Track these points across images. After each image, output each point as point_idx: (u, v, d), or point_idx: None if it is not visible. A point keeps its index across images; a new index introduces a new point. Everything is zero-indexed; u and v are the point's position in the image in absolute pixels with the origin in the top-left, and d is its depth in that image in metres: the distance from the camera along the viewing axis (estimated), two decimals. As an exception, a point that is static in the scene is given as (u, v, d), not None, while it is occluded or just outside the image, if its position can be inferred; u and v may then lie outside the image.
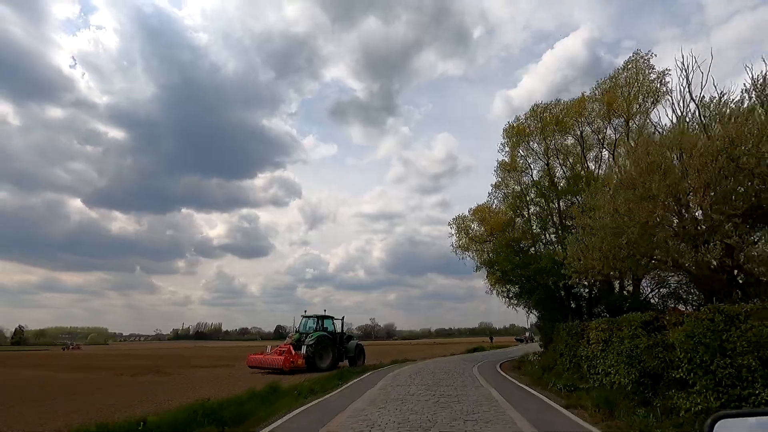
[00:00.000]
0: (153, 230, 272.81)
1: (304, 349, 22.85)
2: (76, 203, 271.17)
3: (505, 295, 27.97)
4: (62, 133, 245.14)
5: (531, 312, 28.70)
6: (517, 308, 28.74)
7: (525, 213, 25.97)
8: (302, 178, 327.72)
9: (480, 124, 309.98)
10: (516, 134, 27.51)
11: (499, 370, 21.87)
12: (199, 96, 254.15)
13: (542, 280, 22.04)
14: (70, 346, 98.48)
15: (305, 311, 25.72)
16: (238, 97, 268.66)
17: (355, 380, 17.62)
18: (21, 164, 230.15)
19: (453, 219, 30.96)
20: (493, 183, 30.29)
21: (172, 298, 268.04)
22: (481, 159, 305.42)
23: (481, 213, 29.97)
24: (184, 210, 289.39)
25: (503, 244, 23.75)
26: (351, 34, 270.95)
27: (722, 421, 1.37)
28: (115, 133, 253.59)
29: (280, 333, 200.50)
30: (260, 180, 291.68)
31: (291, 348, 23.12)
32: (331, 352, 23.98)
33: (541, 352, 25.40)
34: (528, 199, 25.00)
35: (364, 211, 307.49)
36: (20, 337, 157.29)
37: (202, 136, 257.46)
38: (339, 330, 25.82)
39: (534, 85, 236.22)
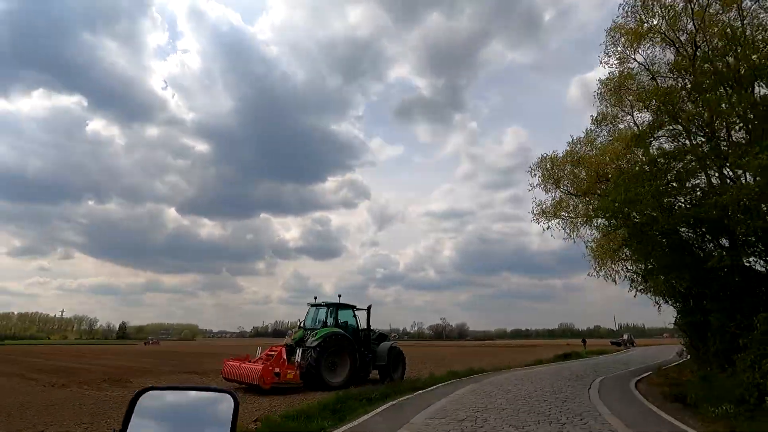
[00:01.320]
0: (236, 234, 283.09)
1: (299, 354, 13.88)
2: (171, 212, 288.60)
3: (633, 272, 17.10)
4: (158, 149, 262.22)
5: (673, 300, 17.36)
6: (650, 295, 17.63)
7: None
8: (370, 179, 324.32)
9: (554, 114, 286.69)
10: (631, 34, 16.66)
11: (647, 403, 11.17)
12: (272, 105, 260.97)
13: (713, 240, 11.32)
14: (150, 342, 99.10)
15: (315, 298, 16.66)
16: (308, 103, 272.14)
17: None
18: (127, 179, 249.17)
19: (536, 162, 20.35)
20: (594, 116, 19.46)
21: (254, 298, 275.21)
22: (557, 149, 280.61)
23: (580, 155, 19.22)
24: (262, 215, 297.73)
25: (634, 178, 12.89)
26: (414, 33, 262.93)
27: (148, 392, 1.47)
28: (201, 147, 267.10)
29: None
30: (331, 183, 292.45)
31: (283, 351, 14.23)
32: (349, 360, 14.77)
33: (688, 362, 14.27)
34: (679, 97, 13.54)
35: (432, 209, 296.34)
36: (123, 332, 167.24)
37: (276, 143, 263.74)
38: (365, 326, 16.53)
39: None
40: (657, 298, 18.85)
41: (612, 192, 12.78)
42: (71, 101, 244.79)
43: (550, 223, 21.49)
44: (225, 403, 1.51)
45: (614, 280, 21.02)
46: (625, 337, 66.94)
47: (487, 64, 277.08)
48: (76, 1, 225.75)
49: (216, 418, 1.50)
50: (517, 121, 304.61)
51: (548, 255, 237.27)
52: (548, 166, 19.61)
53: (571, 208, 21.17)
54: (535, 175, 20.21)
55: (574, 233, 21.40)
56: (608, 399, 11.15)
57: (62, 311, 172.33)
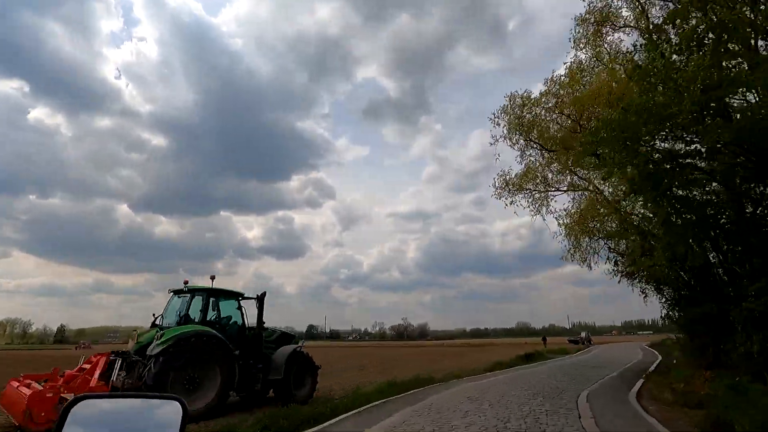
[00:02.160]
0: (194, 233, 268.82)
1: (136, 369, 8.61)
2: (124, 208, 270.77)
3: (616, 251, 12.76)
4: (110, 142, 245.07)
5: (672, 288, 13.13)
6: (636, 282, 13.46)
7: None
8: (336, 179, 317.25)
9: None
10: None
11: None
12: (236, 101, 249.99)
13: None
14: (82, 345, 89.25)
15: (185, 283, 11.15)
16: (273, 100, 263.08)
17: None
18: (75, 172, 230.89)
19: (502, 106, 15.80)
20: (573, 42, 15.07)
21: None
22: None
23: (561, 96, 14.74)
24: (223, 213, 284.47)
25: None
26: (383, 33, 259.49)
27: (83, 402, 1.28)
28: (158, 140, 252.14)
29: (311, 333, 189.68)
30: (295, 182, 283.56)
31: (102, 362, 8.82)
32: (220, 374, 9.48)
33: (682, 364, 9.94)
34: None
35: (398, 211, 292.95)
36: (62, 336, 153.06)
37: (239, 140, 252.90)
38: (254, 323, 11.25)
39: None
40: (646, 285, 14.70)
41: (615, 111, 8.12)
42: (11, 86, 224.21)
43: (514, 198, 17.09)
44: (171, 410, 1.35)
45: (589, 265, 16.81)
46: (583, 335, 64.75)
47: (453, 67, 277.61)
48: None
49: (161, 426, 1.35)
50: (482, 125, 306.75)
51: (509, 256, 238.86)
52: (518, 110, 14.99)
53: (540, 179, 16.81)
54: (498, 123, 15.65)
55: (544, 208, 17.06)
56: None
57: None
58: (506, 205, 17.07)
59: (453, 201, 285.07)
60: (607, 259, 15.51)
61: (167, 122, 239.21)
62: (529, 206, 17.11)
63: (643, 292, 15.96)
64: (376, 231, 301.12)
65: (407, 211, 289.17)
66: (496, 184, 17.25)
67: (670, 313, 14.31)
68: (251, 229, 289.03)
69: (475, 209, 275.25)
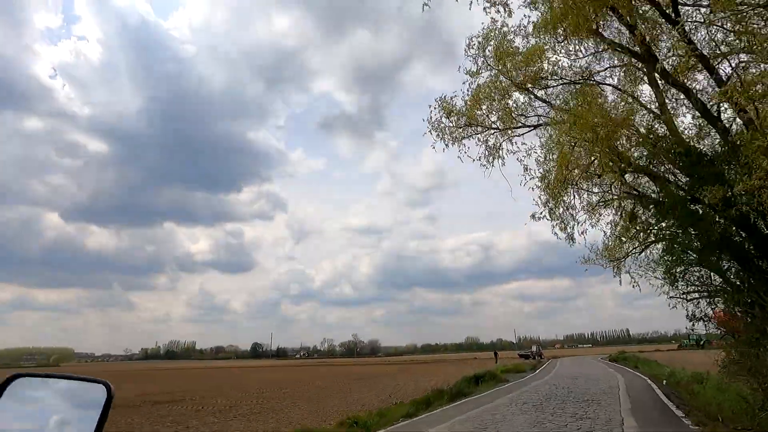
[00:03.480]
0: (133, 245, 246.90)
1: None
2: (53, 217, 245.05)
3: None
4: (40, 145, 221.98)
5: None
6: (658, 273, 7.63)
7: None
8: (289, 192, 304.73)
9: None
10: None
11: None
12: (185, 108, 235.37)
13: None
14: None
15: None
16: (225, 109, 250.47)
17: None
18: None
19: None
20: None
21: (151, 316, 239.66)
22: (468, 173, 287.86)
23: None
24: (166, 224, 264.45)
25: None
26: (341, 47, 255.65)
27: (18, 379, 1.35)
28: (96, 146, 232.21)
29: (257, 351, 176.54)
30: (246, 194, 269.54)
31: None
32: None
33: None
34: None
35: (351, 225, 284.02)
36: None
37: (187, 149, 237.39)
38: None
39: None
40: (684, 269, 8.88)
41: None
42: None
43: (458, 143, 10.84)
44: (98, 393, 1.42)
45: (571, 237, 10.65)
46: (534, 348, 59.99)
47: (409, 85, 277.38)
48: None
49: (88, 407, 1.40)
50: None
51: (457, 272, 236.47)
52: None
53: (499, 107, 10.61)
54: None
55: (501, 154, 10.86)
56: None
57: None
58: (444, 149, 10.80)
59: (405, 216, 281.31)
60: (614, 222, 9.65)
61: (108, 127, 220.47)
62: (480, 155, 10.86)
63: (633, 279, 10.44)
64: (328, 245, 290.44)
65: (360, 225, 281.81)
66: (432, 119, 10.86)
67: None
68: (197, 242, 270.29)
69: (427, 225, 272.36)
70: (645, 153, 10.03)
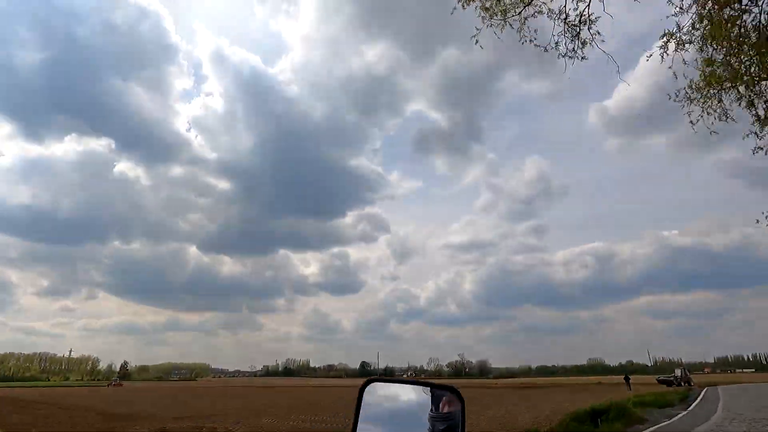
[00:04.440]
0: (255, 271, 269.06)
1: None
2: (193, 250, 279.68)
3: None
4: (182, 189, 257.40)
5: None
6: None
7: None
8: (389, 213, 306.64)
9: (573, 142, 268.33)
10: None
11: None
12: (292, 142, 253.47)
13: None
14: (113, 383, 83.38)
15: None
16: (327, 139, 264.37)
17: None
18: (152, 217, 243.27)
19: None
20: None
21: (274, 335, 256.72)
22: (577, 178, 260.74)
23: None
24: (281, 251, 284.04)
25: None
26: (430, 68, 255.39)
27: (373, 384, 1.45)
28: (223, 185, 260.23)
29: (365, 369, 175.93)
30: (350, 218, 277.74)
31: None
32: None
33: None
34: None
35: (452, 242, 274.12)
36: (125, 372, 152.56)
37: (296, 179, 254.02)
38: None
39: (632, 91, 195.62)
40: None
41: None
42: (99, 144, 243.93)
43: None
44: (451, 400, 1.42)
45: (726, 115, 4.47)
46: (678, 373, 46.59)
47: (503, 94, 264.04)
48: (105, 48, 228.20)
49: (442, 414, 1.42)
50: (536, 151, 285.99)
51: (572, 286, 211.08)
52: None
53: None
54: None
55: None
56: None
57: (70, 351, 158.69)
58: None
59: (508, 229, 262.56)
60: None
61: (230, 167, 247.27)
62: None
63: None
64: (430, 263, 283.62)
65: (461, 241, 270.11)
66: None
67: None
68: (309, 265, 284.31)
69: (533, 237, 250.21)
70: None
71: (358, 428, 1.34)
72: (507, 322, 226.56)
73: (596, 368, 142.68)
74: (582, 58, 7.80)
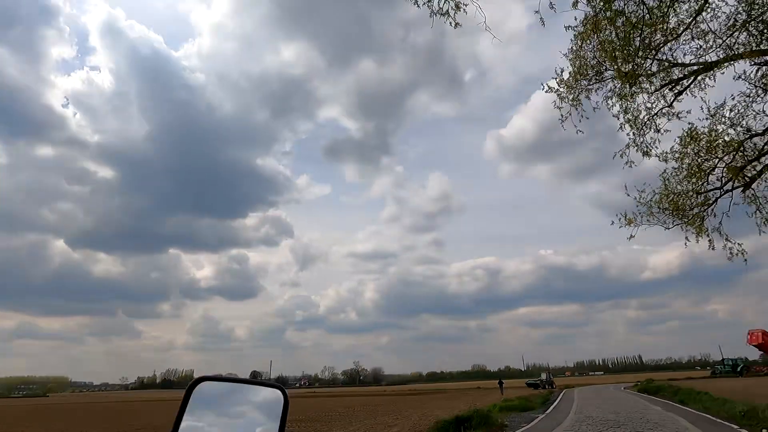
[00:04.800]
0: (138, 272, 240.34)
1: None
2: (59, 244, 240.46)
3: None
4: (51, 173, 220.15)
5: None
6: None
7: None
8: (295, 217, 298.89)
9: (472, 164, 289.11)
10: None
11: None
12: (194, 135, 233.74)
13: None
14: None
15: None
16: (233, 136, 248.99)
17: None
18: (5, 204, 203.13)
19: None
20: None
21: (154, 344, 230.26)
22: (474, 197, 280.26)
23: None
24: (171, 251, 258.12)
25: None
26: (347, 76, 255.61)
27: (202, 383, 1.41)
28: (105, 172, 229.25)
29: (255, 379, 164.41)
30: (252, 219, 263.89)
31: None
32: None
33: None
34: None
35: (357, 250, 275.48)
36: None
37: (195, 175, 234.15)
38: None
39: (523, 124, 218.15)
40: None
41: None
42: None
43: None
44: (274, 398, 1.47)
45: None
46: (544, 377, 50.98)
47: (414, 112, 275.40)
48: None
49: (265, 412, 1.47)
50: (440, 168, 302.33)
51: (464, 297, 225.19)
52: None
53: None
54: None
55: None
56: None
57: None
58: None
59: (411, 241, 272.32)
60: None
61: (117, 154, 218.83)
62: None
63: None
64: (333, 271, 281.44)
65: (366, 250, 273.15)
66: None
67: None
68: (202, 268, 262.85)
69: (433, 250, 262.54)
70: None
71: (181, 428, 1.30)
72: (404, 330, 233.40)
73: (479, 374, 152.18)
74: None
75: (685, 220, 8.18)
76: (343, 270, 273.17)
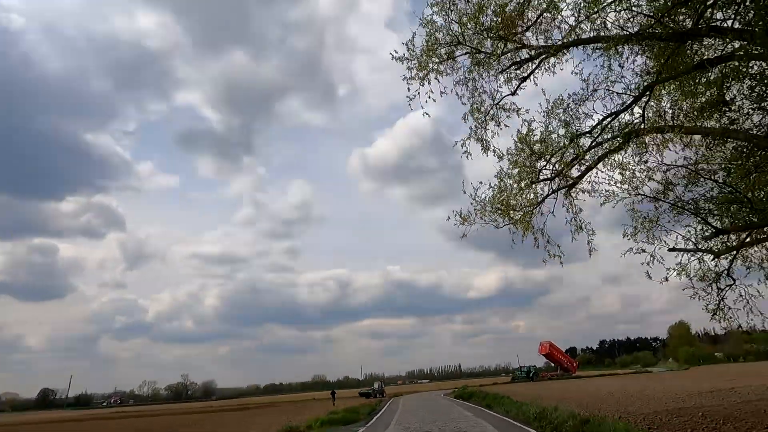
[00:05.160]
0: None
1: None
2: None
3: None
4: None
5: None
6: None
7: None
8: (130, 208, 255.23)
9: (336, 177, 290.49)
10: None
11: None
12: (2, 92, 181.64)
13: None
14: None
15: None
16: (57, 100, 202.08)
17: None
18: None
19: None
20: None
21: None
22: (333, 210, 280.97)
23: None
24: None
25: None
26: (215, 63, 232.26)
27: None
28: None
29: (48, 399, 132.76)
30: (69, 204, 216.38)
31: None
32: None
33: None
34: None
35: (202, 252, 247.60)
36: None
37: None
38: None
39: (387, 147, 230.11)
40: None
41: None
42: None
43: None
44: None
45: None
46: (376, 386, 52.13)
47: (284, 116, 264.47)
48: None
49: None
50: (304, 176, 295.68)
51: (314, 307, 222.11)
52: None
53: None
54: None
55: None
56: None
57: None
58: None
59: (265, 247, 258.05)
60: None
61: None
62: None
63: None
64: (171, 273, 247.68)
65: (213, 253, 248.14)
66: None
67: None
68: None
69: (288, 258, 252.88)
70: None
71: None
72: (246, 340, 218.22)
73: (319, 385, 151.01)
74: None
75: (514, 220, 7.90)
76: (183, 272, 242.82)
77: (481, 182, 8.33)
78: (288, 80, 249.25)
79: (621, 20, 6.40)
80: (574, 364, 72.33)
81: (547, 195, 7.56)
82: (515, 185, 7.89)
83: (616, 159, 8.04)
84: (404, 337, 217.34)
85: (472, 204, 8.18)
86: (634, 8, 6.17)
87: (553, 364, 70.40)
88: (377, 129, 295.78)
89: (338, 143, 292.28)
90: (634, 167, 8.15)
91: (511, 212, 7.80)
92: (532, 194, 7.58)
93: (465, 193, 8.37)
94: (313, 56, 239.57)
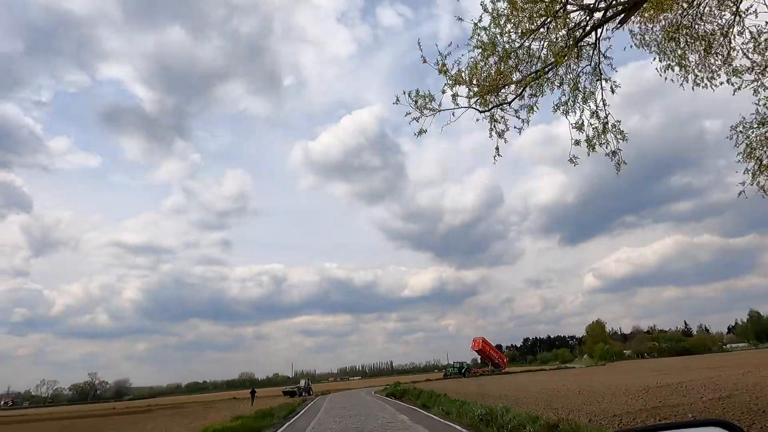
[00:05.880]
0: None
1: None
2: None
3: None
4: None
5: None
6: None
7: None
8: (37, 187, 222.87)
9: (275, 169, 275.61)
10: None
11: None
12: None
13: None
14: None
15: None
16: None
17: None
18: None
19: None
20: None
21: None
22: (271, 203, 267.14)
23: None
24: None
25: None
26: (149, 37, 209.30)
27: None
28: None
29: None
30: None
31: None
32: None
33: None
34: None
35: (123, 240, 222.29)
36: None
37: None
38: None
39: (331, 142, 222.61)
40: None
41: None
42: None
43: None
44: None
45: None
46: (302, 383, 47.66)
47: (223, 101, 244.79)
48: None
49: None
50: (242, 166, 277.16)
51: (245, 303, 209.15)
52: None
53: None
54: None
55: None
56: None
57: None
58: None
59: (195, 238, 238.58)
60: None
61: None
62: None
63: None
64: (84, 262, 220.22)
65: (135, 242, 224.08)
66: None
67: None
68: None
69: (220, 251, 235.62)
70: None
71: None
72: (168, 336, 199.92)
73: (246, 382, 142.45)
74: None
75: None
76: (99, 261, 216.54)
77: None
78: (230, 64, 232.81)
79: None
80: (505, 360, 73.01)
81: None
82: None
83: None
84: (338, 334, 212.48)
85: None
86: None
87: (483, 360, 70.40)
88: (320, 124, 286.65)
89: (280, 135, 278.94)
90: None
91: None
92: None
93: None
94: (259, 42, 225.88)
